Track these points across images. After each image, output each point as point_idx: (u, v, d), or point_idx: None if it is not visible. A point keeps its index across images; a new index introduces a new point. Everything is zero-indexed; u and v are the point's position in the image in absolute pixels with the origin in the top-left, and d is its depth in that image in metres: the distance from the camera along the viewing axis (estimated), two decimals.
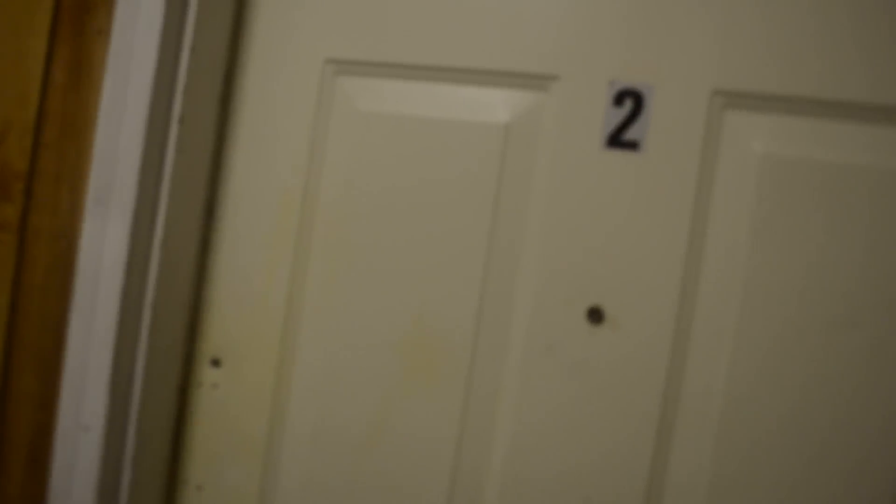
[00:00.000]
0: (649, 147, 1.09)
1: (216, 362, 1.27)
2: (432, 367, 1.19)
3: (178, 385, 1.28)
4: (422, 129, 1.19)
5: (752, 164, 1.06)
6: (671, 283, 1.08)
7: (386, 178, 1.20)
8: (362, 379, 1.21)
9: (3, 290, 1.25)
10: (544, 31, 1.13)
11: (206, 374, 1.27)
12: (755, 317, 1.05)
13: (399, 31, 1.20)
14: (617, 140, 1.11)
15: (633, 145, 1.10)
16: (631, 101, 1.10)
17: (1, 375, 1.26)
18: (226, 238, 1.27)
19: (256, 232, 1.25)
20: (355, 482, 1.20)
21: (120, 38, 1.21)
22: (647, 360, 1.09)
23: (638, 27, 1.09)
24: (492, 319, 1.16)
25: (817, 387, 1.02)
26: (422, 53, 1.19)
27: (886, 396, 1.00)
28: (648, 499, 1.09)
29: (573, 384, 1.12)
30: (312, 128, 1.23)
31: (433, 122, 1.18)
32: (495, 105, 1.17)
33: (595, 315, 1.11)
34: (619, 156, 1.11)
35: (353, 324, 1.21)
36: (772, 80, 1.04)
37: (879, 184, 1.01)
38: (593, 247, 1.11)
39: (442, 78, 1.18)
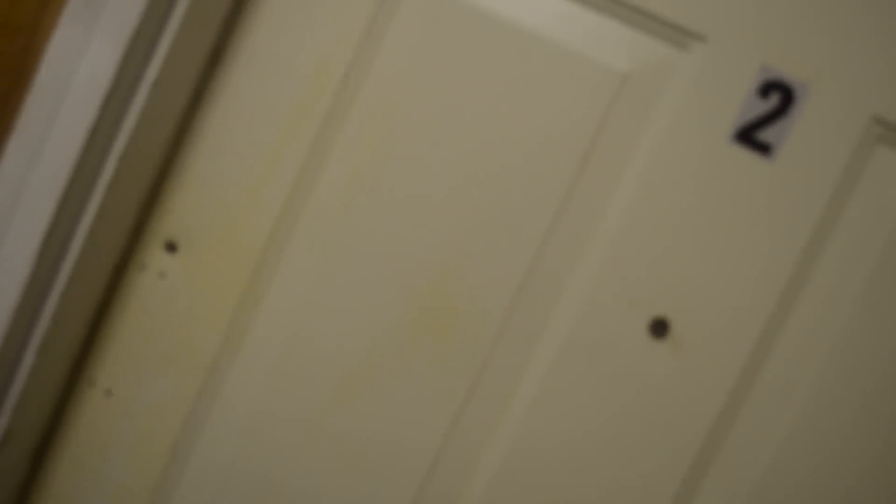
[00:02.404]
0: (782, 156, 0.93)
1: (171, 246, 1.01)
2: (446, 334, 0.99)
3: (115, 263, 1.01)
4: (518, 41, 0.96)
5: (890, 213, 0.91)
6: (757, 318, 0.93)
7: (452, 89, 0.97)
8: (355, 320, 0.99)
9: None
10: None
11: (155, 258, 1.01)
12: (836, 384, 0.92)
13: None
14: (748, 136, 0.94)
15: (764, 148, 0.93)
16: (778, 95, 0.93)
17: None
18: (227, 97, 1.00)
19: (270, 102, 0.99)
20: (312, 439, 1.00)
21: None
22: (701, 395, 0.94)
23: (812, 14, 0.92)
24: (535, 298, 0.97)
25: (878, 482, 0.91)
26: None
27: None
28: None
29: (608, 396, 0.95)
30: None
31: (536, 38, 0.96)
32: (617, 45, 0.96)
33: (659, 327, 0.95)
34: (744, 155, 0.93)
35: (363, 250, 0.99)
36: None
37: None
38: (681, 248, 0.94)
39: None
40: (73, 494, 1.01)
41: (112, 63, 0.91)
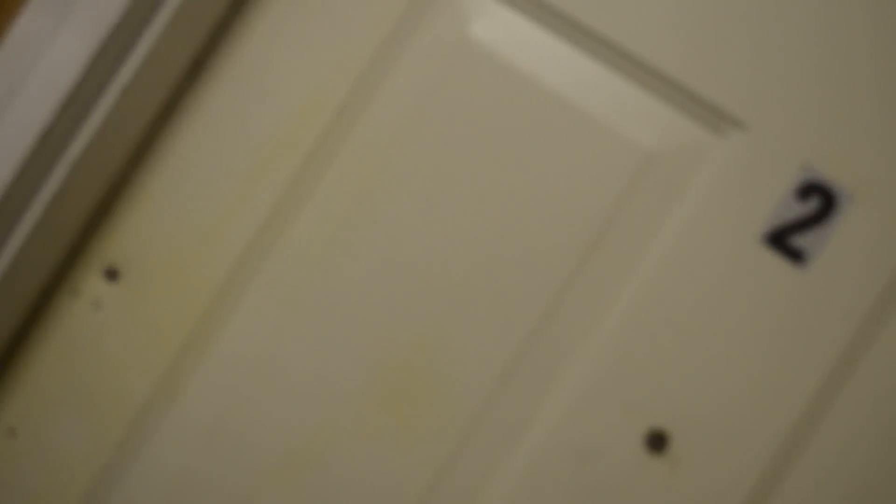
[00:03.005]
0: (816, 266, 0.82)
1: (112, 273, 0.88)
2: (412, 416, 0.86)
3: (43, 285, 0.89)
4: (537, 100, 0.86)
5: None
6: (769, 440, 0.82)
7: (456, 141, 0.87)
8: (311, 386, 0.87)
9: None
10: (756, 66, 0.84)
11: (90, 285, 0.88)
12: None
13: None
14: (780, 240, 0.83)
15: (797, 255, 0.83)
16: (819, 199, 0.83)
17: None
18: (202, 115, 0.89)
19: (251, 128, 0.88)
20: None
21: None
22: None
23: (866, 116, 0.83)
24: (519, 391, 0.86)
25: None
26: (593, 12, 0.86)
27: None
28: None
29: None
30: (395, 25, 0.88)
31: (557, 99, 0.86)
32: (647, 120, 0.86)
33: (657, 441, 0.83)
34: (773, 260, 0.83)
35: (331, 308, 0.87)
36: None
37: None
38: (690, 356, 0.83)
39: (598, 53, 0.86)
40: None
41: (80, 60, 0.81)
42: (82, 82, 0.82)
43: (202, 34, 0.87)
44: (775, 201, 0.83)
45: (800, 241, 0.84)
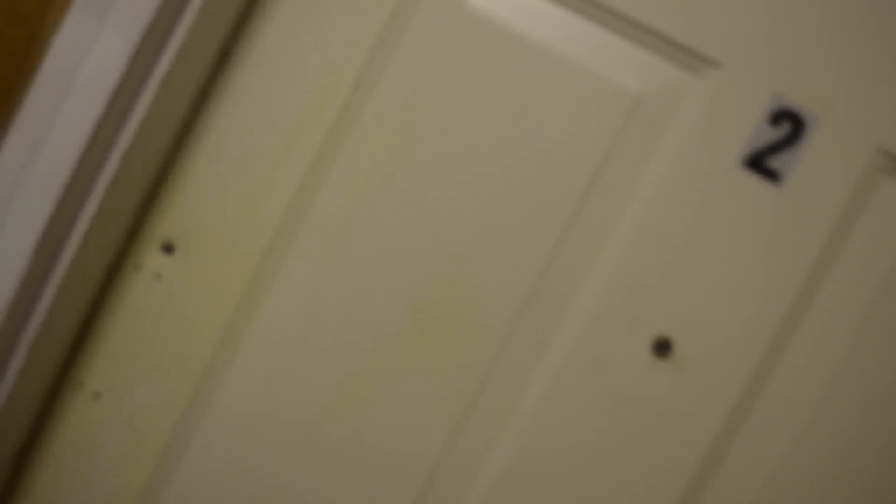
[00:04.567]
0: (789, 184, 0.94)
1: (168, 247, 0.98)
2: (448, 346, 0.97)
3: (110, 263, 0.98)
4: (532, 56, 0.96)
5: (893, 244, 0.93)
6: (759, 340, 0.94)
7: (465, 102, 0.97)
8: (356, 328, 0.97)
9: None
10: (728, 9, 0.94)
11: (151, 259, 0.98)
12: (835, 407, 0.93)
13: None
14: (758, 163, 0.94)
15: (773, 175, 0.94)
16: (789, 124, 0.94)
17: None
18: (234, 98, 0.97)
19: (278, 105, 0.97)
20: (309, 446, 0.97)
21: None
22: (702, 415, 0.94)
23: (825, 46, 0.93)
24: (539, 314, 0.97)
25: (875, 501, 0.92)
26: None
27: None
28: None
29: (610, 414, 0.95)
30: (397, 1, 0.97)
31: (550, 54, 0.95)
32: (631, 67, 0.96)
33: (662, 347, 0.95)
34: (752, 181, 0.94)
35: (367, 259, 0.97)
36: None
37: None
38: (686, 269, 0.95)
39: (583, 10, 0.95)
40: (56, 499, 0.97)
41: (122, 56, 0.89)
42: (126, 75, 0.90)
43: (228, 22, 0.95)
44: (751, 129, 0.94)
45: (775, 162, 0.95)
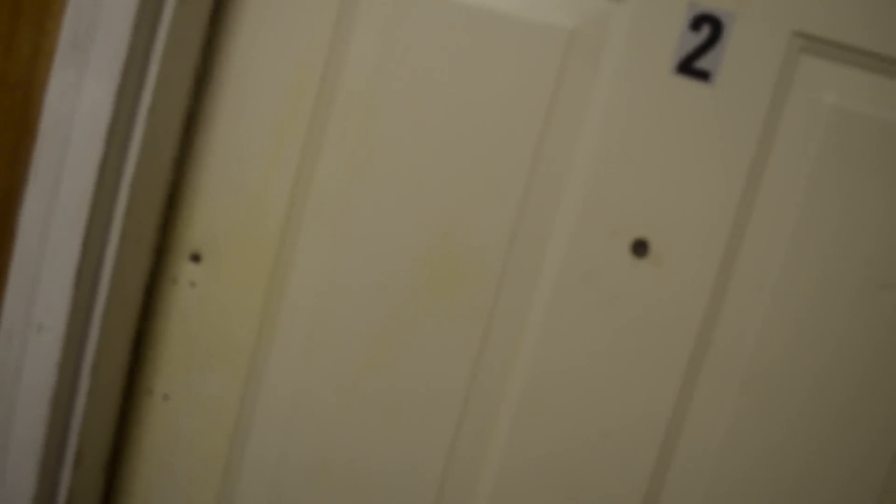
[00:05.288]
0: (720, 79, 1.04)
1: (196, 257, 1.09)
2: (455, 287, 1.09)
3: (146, 281, 1.09)
4: (472, 20, 1.05)
5: (821, 114, 1.03)
6: (722, 226, 1.05)
7: (421, 71, 1.06)
8: (371, 292, 1.09)
9: None
10: None
11: (184, 270, 1.08)
12: (798, 271, 1.05)
13: None
14: (688, 67, 1.05)
15: (704, 75, 1.05)
16: (709, 27, 1.04)
17: None
18: (220, 115, 1.07)
19: (260, 113, 1.06)
20: (351, 402, 1.10)
21: None
22: (685, 301, 1.06)
23: None
24: (527, 241, 1.08)
25: (850, 350, 1.05)
26: None
27: None
28: (668, 435, 1.08)
29: (606, 316, 1.07)
30: None
31: (487, 13, 1.05)
32: (558, 7, 1.06)
33: (640, 248, 1.07)
34: (687, 84, 1.05)
35: (368, 228, 1.09)
36: (852, 32, 1.02)
37: None
38: (647, 177, 1.05)
39: None
40: (151, 495, 1.11)
41: (108, 98, 0.98)
42: (115, 114, 0.99)
43: (198, 44, 1.04)
44: (675, 38, 1.04)
45: (703, 63, 1.05)
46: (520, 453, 1.10)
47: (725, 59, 1.04)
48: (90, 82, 0.98)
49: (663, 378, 1.08)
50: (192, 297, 1.09)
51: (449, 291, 1.10)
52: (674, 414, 1.08)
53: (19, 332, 0.98)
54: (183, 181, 1.08)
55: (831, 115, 1.03)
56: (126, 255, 1.02)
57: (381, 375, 1.10)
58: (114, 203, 1.01)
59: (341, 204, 1.08)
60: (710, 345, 1.07)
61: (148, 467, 1.11)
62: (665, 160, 1.06)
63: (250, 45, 1.06)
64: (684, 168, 1.05)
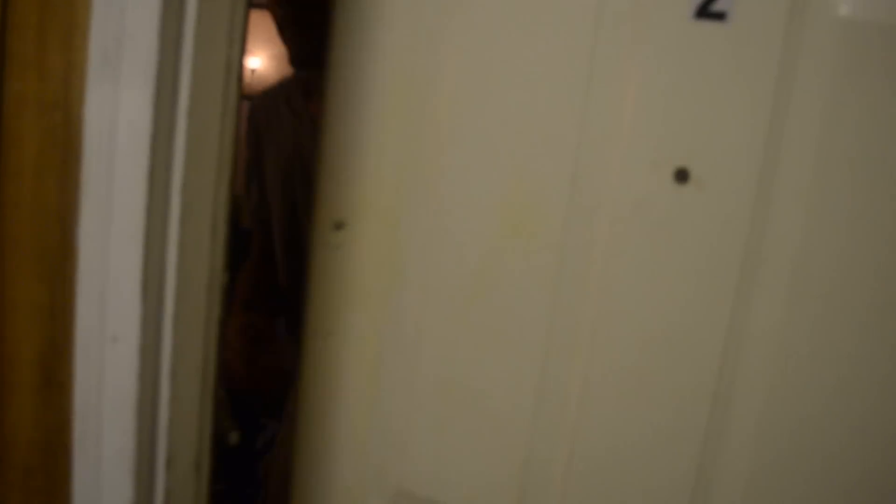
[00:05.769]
0: (737, 17, 1.08)
1: (339, 226, 1.31)
2: (529, 228, 1.23)
3: (209, 278, 1.12)
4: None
5: (835, 28, 1.07)
6: (754, 148, 1.10)
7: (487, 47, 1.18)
8: (465, 239, 1.26)
9: None
10: None
11: (331, 236, 1.32)
12: (829, 176, 1.09)
13: None
14: (706, 11, 1.08)
15: (720, 16, 1.08)
16: None
17: None
18: (340, 117, 1.28)
19: (371, 108, 1.26)
20: (461, 329, 1.27)
21: None
22: (730, 218, 1.12)
23: None
24: (584, 182, 1.18)
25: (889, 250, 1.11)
26: None
27: None
28: (727, 348, 1.15)
29: (658, 240, 1.15)
30: None
31: None
32: None
33: (682, 175, 1.12)
34: (708, 27, 1.08)
35: (457, 189, 1.25)
36: None
37: None
38: (682, 112, 1.11)
39: None
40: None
41: (147, 106, 0.98)
42: (156, 119, 1.00)
43: (224, 41, 1.05)
44: None
45: (718, 5, 1.08)
46: (598, 365, 1.23)
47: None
48: (126, 93, 0.98)
49: (717, 294, 1.14)
50: (338, 257, 1.32)
51: (525, 231, 1.23)
52: (731, 324, 1.14)
53: (95, 345, 1.00)
54: (322, 168, 1.30)
55: (846, 28, 1.07)
56: (188, 258, 1.04)
57: (480, 307, 1.26)
58: (167, 207, 1.03)
59: (434, 170, 1.26)
60: (759, 252, 1.13)
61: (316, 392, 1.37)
62: (694, 96, 1.10)
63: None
64: (712, 100, 1.10)
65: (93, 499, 1.07)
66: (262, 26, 2.24)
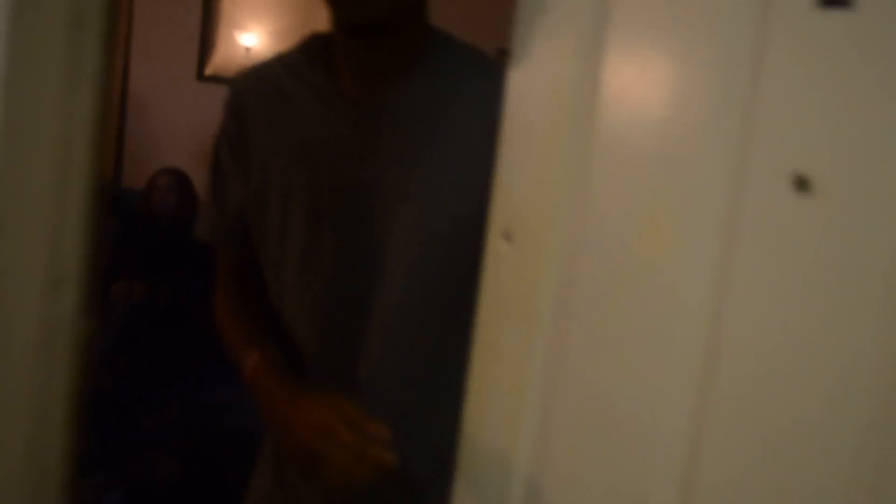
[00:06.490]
0: (865, 3, 1.02)
1: (507, 236, 1.47)
2: (675, 242, 1.23)
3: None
4: None
5: None
6: (881, 155, 1.00)
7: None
8: (614, 257, 1.30)
9: None
10: None
11: (500, 246, 1.48)
12: None
13: None
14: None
15: (845, 3, 1.03)
16: None
17: None
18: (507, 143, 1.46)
19: (527, 132, 1.43)
20: (608, 348, 1.31)
21: None
22: (849, 227, 1.04)
23: None
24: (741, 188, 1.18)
25: None
26: None
27: None
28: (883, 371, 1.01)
29: (776, 251, 1.10)
30: None
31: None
32: None
33: (801, 183, 1.07)
34: (833, 16, 1.04)
35: (607, 210, 1.31)
36: None
37: None
38: (800, 116, 1.08)
39: None
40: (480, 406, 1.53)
41: None
42: None
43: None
44: None
45: None
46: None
47: None
48: None
49: (857, 291, 1.03)
50: (505, 267, 1.48)
51: (669, 246, 1.23)
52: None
53: None
54: (491, 181, 1.48)
55: None
56: None
57: (625, 325, 1.29)
58: None
59: (600, 191, 1.34)
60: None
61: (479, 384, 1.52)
62: (816, 95, 1.06)
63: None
64: (836, 102, 1.04)
65: None
66: None
